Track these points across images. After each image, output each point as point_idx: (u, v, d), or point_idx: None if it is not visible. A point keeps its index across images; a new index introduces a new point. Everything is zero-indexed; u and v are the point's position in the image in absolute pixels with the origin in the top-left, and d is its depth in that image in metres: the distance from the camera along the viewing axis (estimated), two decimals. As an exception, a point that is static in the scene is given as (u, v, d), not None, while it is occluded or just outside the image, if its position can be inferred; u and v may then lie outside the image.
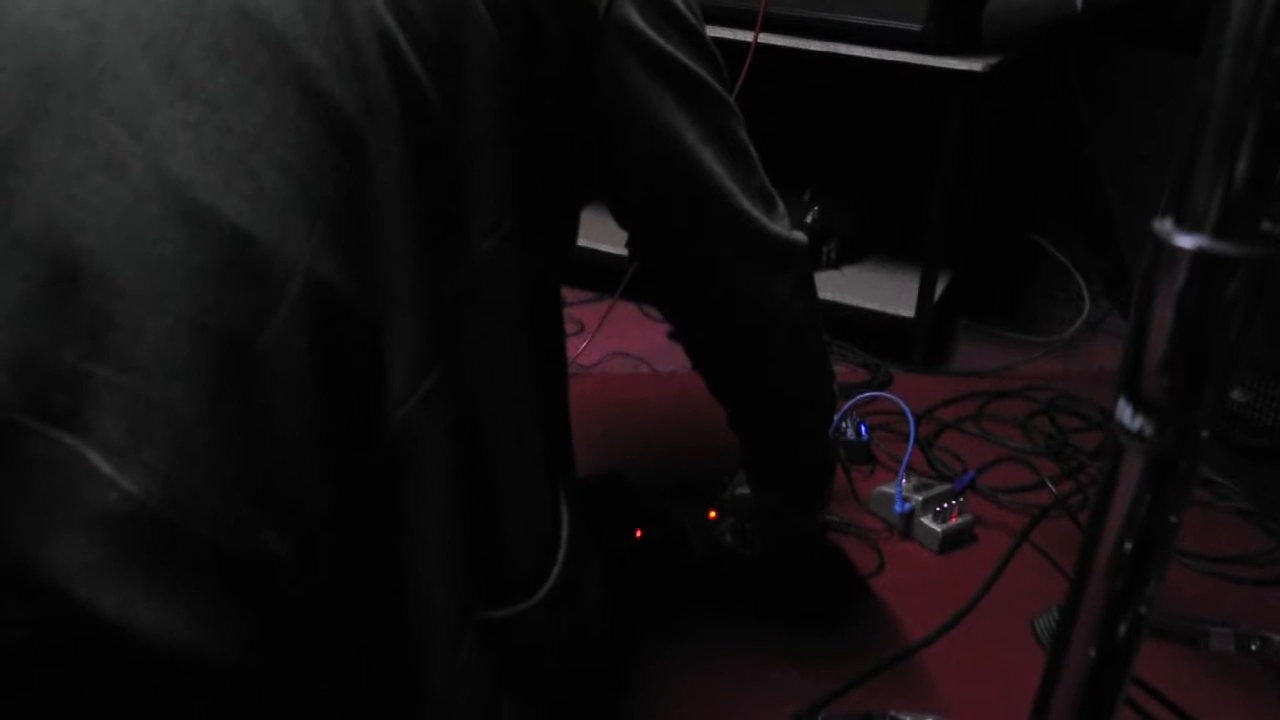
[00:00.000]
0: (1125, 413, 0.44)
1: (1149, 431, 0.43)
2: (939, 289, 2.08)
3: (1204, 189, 0.39)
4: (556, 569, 0.92)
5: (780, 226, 1.07)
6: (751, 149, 1.07)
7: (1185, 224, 0.40)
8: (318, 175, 0.70)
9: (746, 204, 1.03)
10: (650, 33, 0.93)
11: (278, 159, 0.68)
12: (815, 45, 1.95)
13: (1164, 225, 0.41)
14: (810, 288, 1.14)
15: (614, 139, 0.96)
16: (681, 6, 0.96)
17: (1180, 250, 0.40)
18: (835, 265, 2.25)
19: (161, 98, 0.66)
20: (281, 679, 0.70)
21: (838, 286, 2.16)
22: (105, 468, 0.61)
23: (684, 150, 0.98)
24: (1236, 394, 1.59)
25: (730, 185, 1.01)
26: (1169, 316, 0.41)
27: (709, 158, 0.99)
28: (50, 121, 0.65)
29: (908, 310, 2.07)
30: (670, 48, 0.94)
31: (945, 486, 1.57)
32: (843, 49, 1.93)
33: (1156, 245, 0.41)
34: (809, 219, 2.20)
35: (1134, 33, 2.21)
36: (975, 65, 1.86)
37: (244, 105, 0.68)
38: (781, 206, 1.09)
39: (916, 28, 1.87)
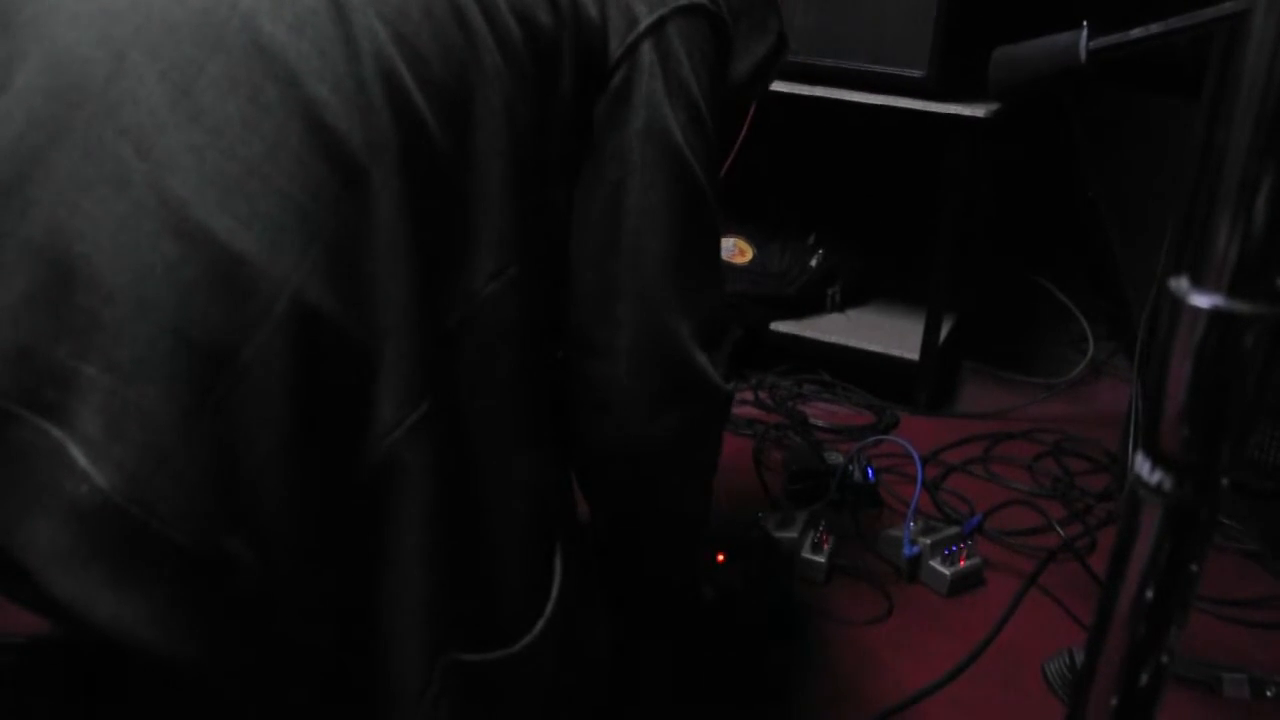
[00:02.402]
0: (1144, 467, 0.45)
1: (1168, 486, 0.44)
2: (944, 331, 2.09)
3: (1218, 248, 0.40)
4: (543, 620, 0.92)
5: (716, 369, 1.03)
6: (720, 264, 1.05)
7: (1200, 283, 0.41)
8: (317, 204, 0.72)
9: (687, 329, 0.99)
10: (664, 103, 0.93)
11: (277, 186, 0.71)
12: (819, 91, 1.97)
13: (1180, 284, 0.41)
14: (718, 438, 1.12)
15: (585, 182, 0.94)
16: (693, 85, 0.96)
17: (1196, 309, 0.41)
18: (840, 308, 2.27)
19: (171, 121, 0.70)
20: (241, 685, 0.72)
21: (843, 330, 2.17)
22: (82, 460, 0.65)
23: (652, 230, 0.95)
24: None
25: (677, 302, 0.98)
26: (1186, 374, 0.42)
27: (666, 254, 0.96)
28: (71, 138, 0.69)
29: (912, 353, 2.08)
30: (674, 126, 0.94)
31: (953, 529, 1.57)
32: (846, 95, 1.95)
33: (1173, 304, 0.42)
34: (814, 262, 2.21)
35: (1134, 76, 2.23)
36: (978, 111, 1.88)
37: (249, 133, 0.71)
38: (725, 347, 1.05)
39: (919, 74, 1.90)
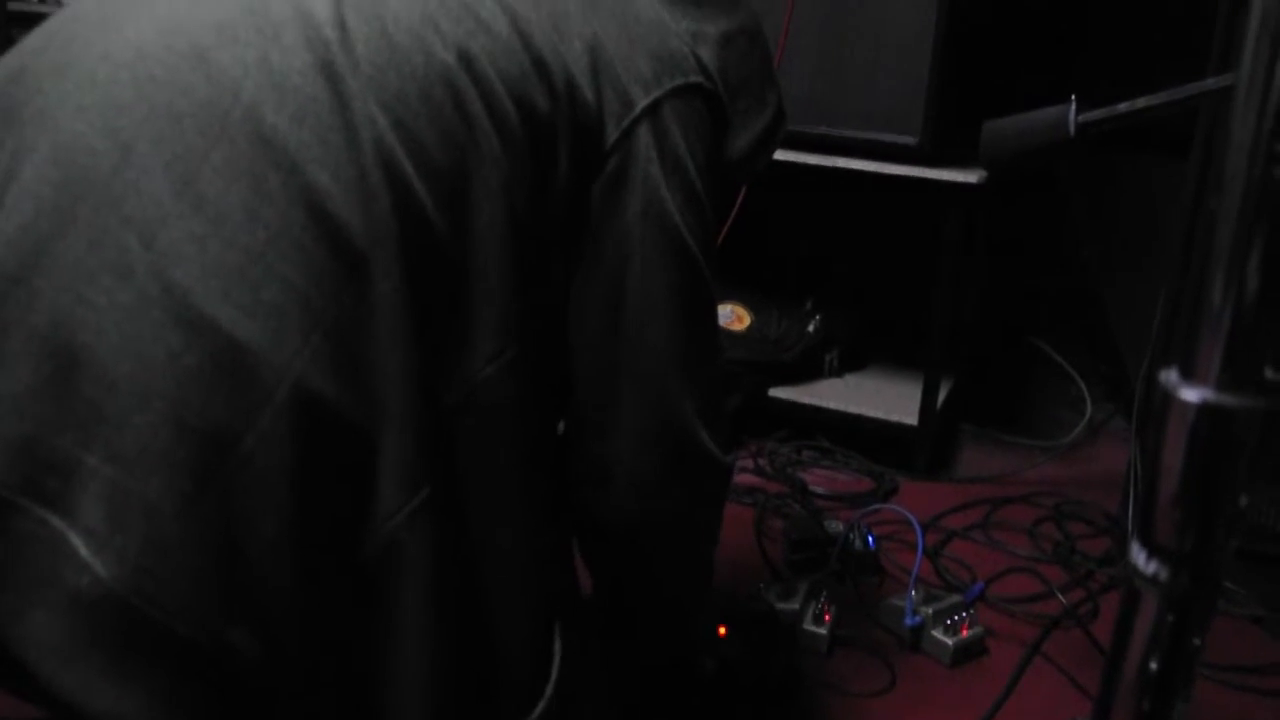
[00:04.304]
0: (1140, 557, 0.45)
1: (1164, 576, 0.44)
2: (941, 395, 2.09)
3: (1207, 344, 0.41)
4: (543, 701, 0.91)
5: (716, 443, 1.03)
6: (718, 340, 1.06)
7: (1190, 376, 0.41)
8: (318, 291, 0.73)
9: (690, 407, 1.00)
10: (662, 185, 0.93)
11: (279, 274, 0.72)
12: (815, 159, 1.99)
13: (1170, 377, 0.42)
14: (719, 510, 1.13)
15: (585, 265, 0.95)
16: (690, 165, 0.96)
17: (1186, 403, 0.41)
18: (838, 373, 2.27)
19: (175, 211, 0.71)
20: None
21: (841, 395, 2.17)
22: (83, 551, 0.65)
23: (652, 311, 0.96)
24: (1244, 499, 1.59)
25: (679, 381, 0.99)
26: (1178, 465, 0.42)
27: (667, 334, 0.97)
28: (77, 228, 0.70)
29: (911, 417, 2.08)
30: (672, 209, 0.95)
31: (955, 598, 1.57)
32: (842, 162, 1.97)
33: (1164, 396, 0.42)
34: (811, 328, 2.22)
35: (1123, 136, 2.25)
36: (971, 177, 1.90)
37: (251, 222, 0.72)
38: (725, 419, 1.06)
39: (912, 141, 1.92)
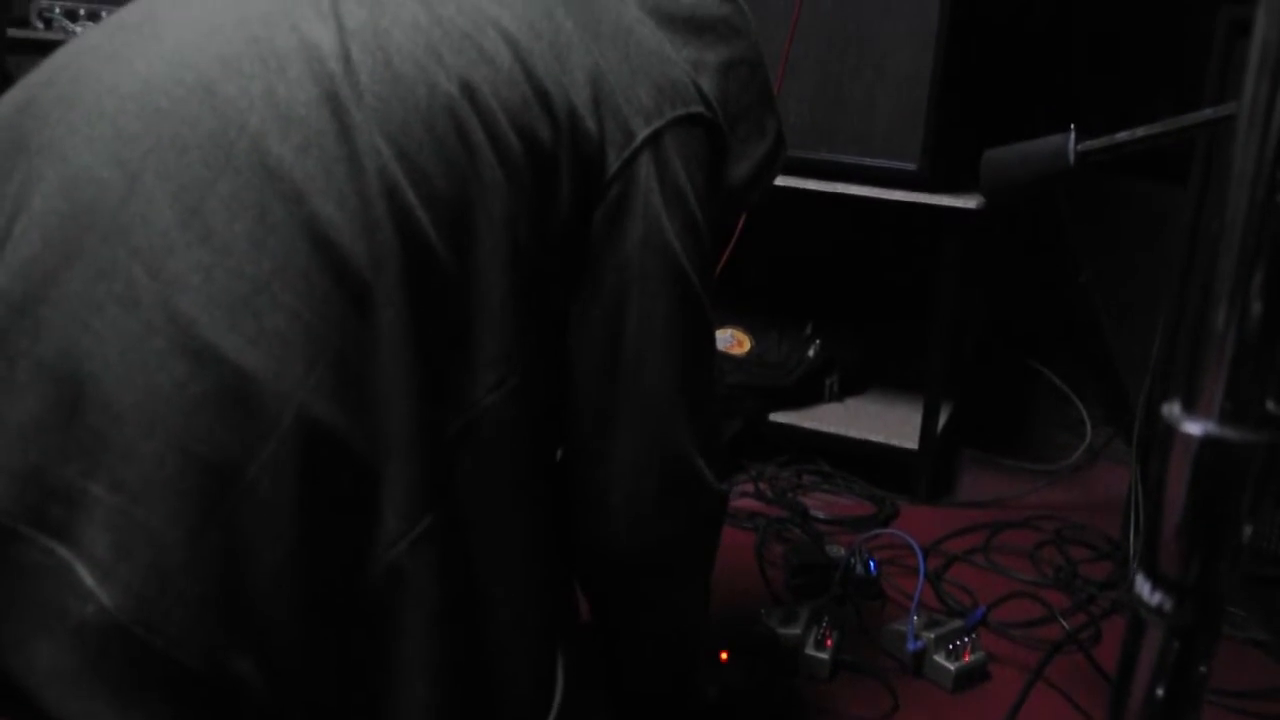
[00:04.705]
0: (1144, 588, 0.45)
1: (1169, 607, 0.45)
2: (942, 419, 2.10)
3: (1209, 378, 0.41)
4: None
5: (713, 471, 1.04)
6: (714, 369, 1.06)
7: (1192, 410, 0.42)
8: (322, 320, 0.73)
9: (687, 436, 1.00)
10: (662, 214, 0.94)
11: (283, 303, 0.72)
12: (815, 185, 2.00)
13: (1172, 410, 0.42)
14: (716, 538, 1.14)
15: (585, 293, 0.95)
16: (690, 194, 0.97)
17: (1189, 436, 0.41)
18: (838, 398, 2.28)
19: (181, 241, 0.72)
20: None
21: (841, 419, 2.18)
22: (89, 580, 0.66)
23: (652, 339, 0.97)
24: (1247, 531, 1.59)
25: (677, 410, 0.99)
26: (1181, 497, 0.43)
27: (666, 363, 0.98)
28: (84, 258, 0.71)
29: (911, 442, 2.08)
30: (672, 238, 0.95)
31: (957, 623, 1.57)
32: (840, 188, 1.98)
33: (1167, 429, 0.42)
34: (811, 352, 2.23)
35: (1121, 163, 2.26)
36: (970, 202, 1.91)
37: (257, 252, 0.73)
38: (721, 447, 1.07)
39: (912, 167, 1.93)
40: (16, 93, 0.81)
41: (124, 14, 0.85)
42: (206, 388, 0.69)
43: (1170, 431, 0.42)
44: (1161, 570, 0.45)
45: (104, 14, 1.79)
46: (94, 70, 0.79)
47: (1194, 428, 0.41)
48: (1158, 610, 0.45)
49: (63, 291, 0.70)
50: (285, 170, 0.75)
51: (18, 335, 0.70)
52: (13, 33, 1.73)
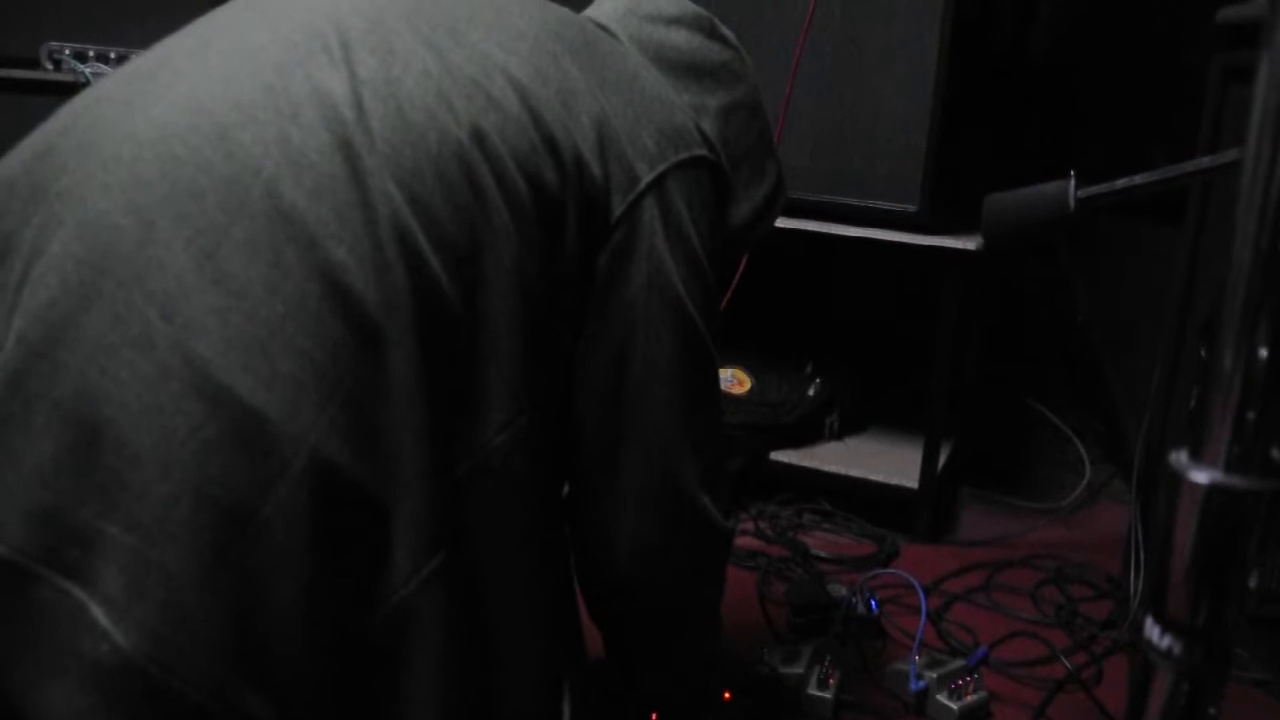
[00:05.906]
0: (1154, 632, 0.46)
1: (1178, 651, 0.45)
2: (942, 458, 2.10)
3: (1215, 428, 0.42)
4: None
5: (717, 508, 1.06)
6: (719, 408, 1.08)
7: (1199, 458, 0.43)
8: (334, 362, 0.75)
9: (692, 474, 1.02)
10: (666, 256, 0.96)
11: (296, 346, 0.73)
12: (815, 226, 2.01)
13: (1179, 459, 0.43)
14: (722, 574, 1.16)
15: (590, 333, 0.97)
16: (693, 235, 0.99)
17: (1195, 484, 0.42)
18: (838, 437, 2.28)
19: (196, 285, 0.73)
20: None
21: (841, 458, 2.18)
22: (103, 620, 0.66)
23: (656, 380, 0.98)
24: (1254, 579, 1.60)
25: (682, 449, 1.01)
26: (1188, 544, 0.44)
27: (671, 403, 1.00)
28: (101, 303, 0.72)
29: (911, 481, 2.09)
30: (676, 280, 0.97)
31: (959, 662, 1.57)
32: (842, 230, 2.00)
33: (1173, 477, 0.43)
34: (811, 391, 2.24)
35: (1118, 203, 2.29)
36: (969, 244, 1.92)
37: (270, 296, 0.74)
38: (725, 485, 1.08)
39: (912, 209, 1.95)
40: (35, 139, 0.83)
41: (139, 62, 0.87)
42: (221, 430, 0.70)
43: (1177, 479, 0.43)
44: (1170, 614, 0.45)
45: (113, 55, 1.81)
46: (111, 117, 0.80)
47: (1201, 476, 0.42)
48: (1167, 654, 0.46)
49: (80, 335, 0.71)
50: (298, 215, 0.76)
51: (36, 378, 0.71)
52: (22, 74, 1.75)
